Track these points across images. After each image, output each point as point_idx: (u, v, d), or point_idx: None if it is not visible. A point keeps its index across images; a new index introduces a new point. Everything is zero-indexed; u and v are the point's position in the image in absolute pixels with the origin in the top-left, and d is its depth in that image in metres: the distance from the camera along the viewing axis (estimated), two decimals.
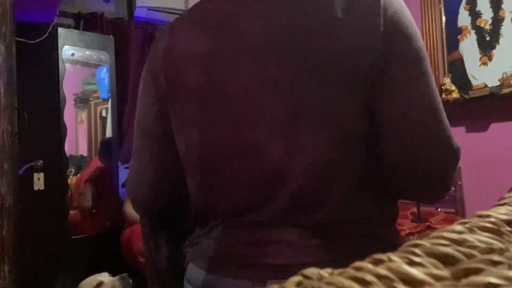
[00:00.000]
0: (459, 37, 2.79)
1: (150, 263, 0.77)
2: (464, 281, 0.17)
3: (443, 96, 2.81)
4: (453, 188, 2.82)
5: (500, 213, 0.26)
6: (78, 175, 2.69)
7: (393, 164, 0.57)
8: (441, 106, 0.57)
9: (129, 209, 2.55)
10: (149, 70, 0.67)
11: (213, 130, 0.60)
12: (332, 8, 0.54)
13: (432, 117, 0.56)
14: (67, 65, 2.55)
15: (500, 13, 2.57)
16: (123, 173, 3.00)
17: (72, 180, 2.65)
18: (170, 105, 0.64)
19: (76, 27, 2.88)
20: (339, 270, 0.19)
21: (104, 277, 1.78)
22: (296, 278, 0.19)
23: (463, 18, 2.76)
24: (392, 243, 0.50)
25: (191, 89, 0.60)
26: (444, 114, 0.58)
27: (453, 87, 2.76)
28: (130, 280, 1.80)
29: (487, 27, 2.63)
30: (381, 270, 0.18)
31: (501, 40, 2.57)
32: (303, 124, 0.55)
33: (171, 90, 0.63)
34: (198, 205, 0.66)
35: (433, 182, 0.59)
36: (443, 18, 2.88)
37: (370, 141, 0.56)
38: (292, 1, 0.57)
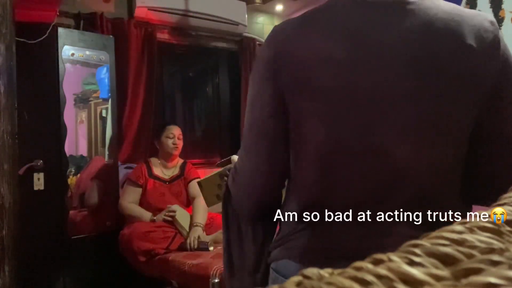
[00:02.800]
0: None
1: (234, 256, 0.82)
2: (464, 281, 0.17)
3: None
4: None
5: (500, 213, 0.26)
6: (78, 175, 2.69)
7: (491, 174, 0.68)
8: None
9: (125, 203, 2.55)
10: (264, 72, 0.71)
11: (340, 130, 0.64)
12: (463, 34, 0.63)
13: None
14: (67, 65, 2.55)
15: (500, 13, 2.57)
16: (123, 173, 3.00)
17: (72, 180, 2.64)
18: (292, 103, 0.67)
19: (76, 27, 2.88)
20: (339, 270, 0.19)
21: None
22: (296, 278, 0.19)
23: None
24: None
25: (319, 89, 0.64)
26: None
27: None
28: None
29: None
30: (381, 270, 0.18)
31: None
32: (429, 133, 0.64)
33: (296, 89, 0.67)
34: (309, 198, 0.69)
35: None
36: None
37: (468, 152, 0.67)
38: (424, 20, 0.64)
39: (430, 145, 0.64)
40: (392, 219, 0.63)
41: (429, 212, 0.63)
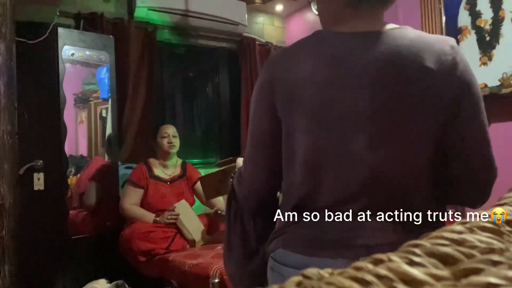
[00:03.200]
0: (459, 37, 2.78)
1: (235, 244, 0.95)
2: (464, 281, 0.17)
3: None
4: None
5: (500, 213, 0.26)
6: (78, 175, 2.69)
7: (457, 176, 0.81)
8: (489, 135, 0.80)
9: (127, 205, 2.55)
10: (261, 94, 0.84)
11: (323, 140, 0.77)
12: (424, 58, 0.74)
13: (488, 145, 0.82)
14: (67, 65, 2.54)
15: (500, 13, 2.57)
16: (123, 173, 3.00)
17: (72, 180, 2.64)
18: (284, 119, 0.81)
19: (76, 27, 2.88)
20: (339, 270, 0.19)
21: (101, 284, 1.77)
22: (296, 278, 0.19)
23: (463, 18, 2.76)
24: None
25: (307, 105, 0.78)
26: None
27: None
28: (126, 286, 1.78)
29: (487, 27, 2.63)
30: (381, 270, 0.18)
31: (501, 40, 2.57)
32: (397, 143, 0.76)
33: (288, 104, 0.80)
34: (298, 196, 0.81)
35: (486, 191, 0.85)
36: (443, 18, 2.87)
37: (435, 159, 0.78)
38: (392, 47, 0.76)
39: (398, 152, 0.76)
40: (368, 214, 0.75)
41: (399, 210, 0.75)
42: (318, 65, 0.78)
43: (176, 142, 2.74)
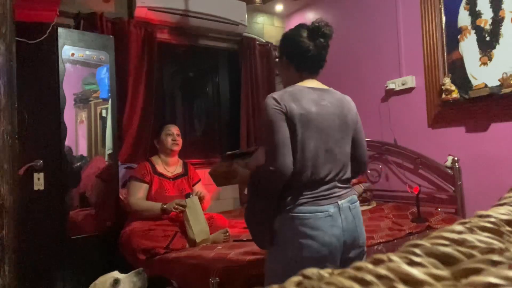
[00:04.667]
0: (459, 37, 2.79)
1: (265, 211, 1.44)
2: (464, 281, 0.17)
3: (443, 96, 2.81)
4: (453, 188, 2.82)
5: (500, 213, 0.26)
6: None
7: (356, 159, 1.56)
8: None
9: (134, 200, 2.56)
10: (279, 112, 1.39)
11: (318, 142, 1.42)
12: (349, 104, 1.55)
13: (365, 147, 1.60)
14: (67, 65, 2.55)
15: (500, 13, 2.57)
16: (123, 173, 3.00)
17: None
18: (302, 130, 1.40)
19: (76, 27, 2.88)
20: (339, 270, 0.19)
21: (117, 274, 1.77)
22: (296, 278, 0.19)
23: (463, 18, 2.76)
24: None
25: (312, 125, 1.41)
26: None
27: (453, 87, 2.76)
28: (145, 275, 1.79)
29: (487, 27, 2.63)
30: (381, 270, 0.18)
31: (501, 40, 2.57)
32: (344, 143, 1.49)
33: (302, 124, 1.39)
34: (305, 177, 1.40)
35: (362, 168, 1.60)
36: (443, 18, 2.87)
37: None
38: (336, 98, 1.50)
39: (344, 147, 1.49)
40: (337, 179, 1.46)
41: (345, 176, 1.49)
42: (309, 104, 1.42)
43: (180, 141, 2.79)
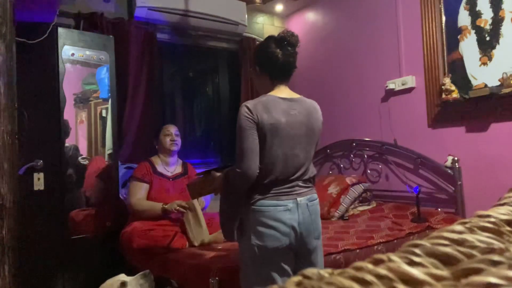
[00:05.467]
0: (459, 37, 2.78)
1: (232, 210, 1.64)
2: (464, 281, 0.17)
3: (443, 96, 2.81)
4: (453, 188, 2.82)
5: (500, 213, 0.26)
6: None
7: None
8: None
9: (135, 200, 2.56)
10: (250, 121, 1.55)
11: (284, 148, 1.58)
12: (316, 110, 1.72)
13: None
14: (67, 65, 2.54)
15: (500, 13, 2.57)
16: (123, 173, 3.00)
17: None
18: (270, 137, 1.56)
19: (76, 27, 2.88)
20: (339, 270, 0.19)
21: (124, 277, 1.77)
22: (296, 278, 0.19)
23: (463, 18, 2.76)
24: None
25: (280, 133, 1.57)
26: None
27: (453, 87, 2.76)
28: (152, 276, 1.79)
29: (487, 27, 2.63)
30: (381, 270, 0.18)
31: (501, 40, 2.57)
32: (309, 148, 1.67)
33: (272, 132, 1.56)
34: (271, 175, 1.58)
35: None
36: (443, 18, 2.87)
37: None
38: (304, 108, 1.66)
39: (309, 151, 1.66)
40: (300, 179, 1.63)
41: (306, 177, 1.65)
42: (279, 114, 1.58)
43: (178, 141, 2.78)
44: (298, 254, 1.62)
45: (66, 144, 2.54)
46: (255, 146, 1.54)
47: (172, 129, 2.79)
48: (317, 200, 1.69)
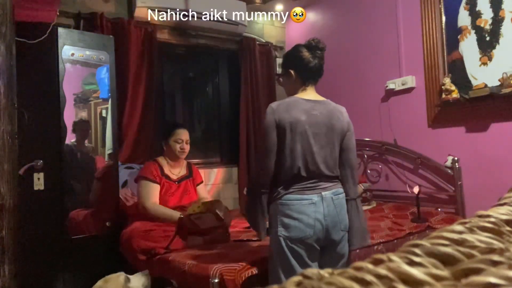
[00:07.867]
0: (459, 37, 2.78)
1: (256, 205, 1.76)
2: (464, 281, 0.17)
3: (443, 96, 2.81)
4: (453, 188, 2.82)
5: (500, 213, 0.26)
6: None
7: (344, 162, 1.81)
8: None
9: (151, 204, 2.51)
10: (272, 123, 1.70)
11: (304, 146, 1.69)
12: (341, 113, 1.80)
13: (354, 153, 1.84)
14: (67, 65, 2.54)
15: (500, 13, 2.57)
16: (123, 173, 3.00)
17: None
18: (290, 136, 1.69)
19: (76, 27, 2.88)
20: (339, 270, 0.19)
21: (124, 275, 1.82)
22: (296, 278, 0.19)
23: (463, 18, 2.76)
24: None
25: (300, 131, 1.69)
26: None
27: (453, 87, 2.76)
28: (149, 277, 1.89)
29: (487, 27, 2.63)
30: (381, 270, 0.18)
31: (501, 40, 2.57)
32: (329, 147, 1.74)
33: (291, 131, 1.69)
34: (290, 175, 1.69)
35: (353, 170, 1.83)
36: (443, 18, 2.87)
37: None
38: (327, 109, 1.76)
39: (330, 150, 1.74)
40: (322, 175, 1.71)
41: (331, 173, 1.73)
42: (300, 113, 1.71)
43: (187, 148, 2.72)
44: (324, 247, 1.72)
45: (67, 143, 2.54)
46: (274, 146, 1.70)
47: (184, 136, 2.70)
48: (343, 194, 1.77)
